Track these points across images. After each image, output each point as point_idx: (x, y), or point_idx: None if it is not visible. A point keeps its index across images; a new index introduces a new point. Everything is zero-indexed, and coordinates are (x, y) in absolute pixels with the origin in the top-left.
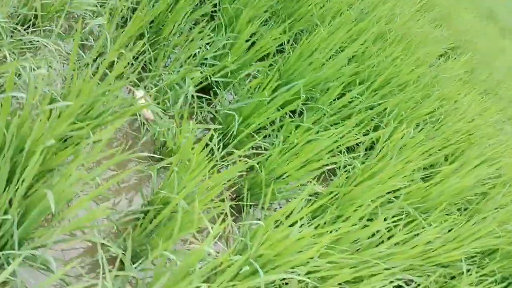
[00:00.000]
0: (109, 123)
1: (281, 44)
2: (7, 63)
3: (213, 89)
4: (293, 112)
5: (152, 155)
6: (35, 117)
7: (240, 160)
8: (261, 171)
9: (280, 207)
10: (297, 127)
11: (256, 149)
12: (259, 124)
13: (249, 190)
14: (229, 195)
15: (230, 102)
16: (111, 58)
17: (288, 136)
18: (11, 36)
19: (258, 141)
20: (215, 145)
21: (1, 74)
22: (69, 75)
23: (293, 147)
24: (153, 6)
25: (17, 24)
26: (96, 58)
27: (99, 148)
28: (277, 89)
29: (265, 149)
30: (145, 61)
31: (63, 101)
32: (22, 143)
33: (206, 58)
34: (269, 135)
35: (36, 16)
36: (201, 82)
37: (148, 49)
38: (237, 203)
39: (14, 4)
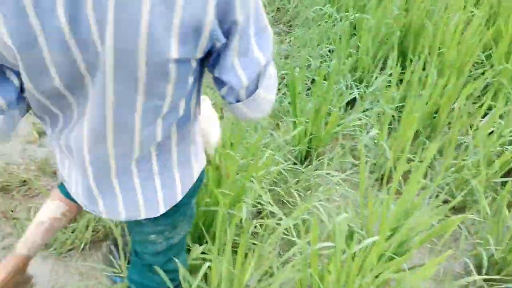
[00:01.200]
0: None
1: None
2: (299, 206)
3: None
4: None
5: (487, 276)
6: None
7: None
8: None
9: None
10: None
11: None
12: None
13: None
14: None
15: None
16: (399, 175)
17: None
18: (293, 175)
19: None
20: None
21: (295, 217)
22: (361, 203)
23: None
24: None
25: (295, 163)
26: (380, 170)
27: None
28: None
29: None
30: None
31: (363, 232)
32: None
33: (502, 136)
34: None
35: (309, 151)
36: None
37: (429, 146)
38: None
39: (288, 144)
